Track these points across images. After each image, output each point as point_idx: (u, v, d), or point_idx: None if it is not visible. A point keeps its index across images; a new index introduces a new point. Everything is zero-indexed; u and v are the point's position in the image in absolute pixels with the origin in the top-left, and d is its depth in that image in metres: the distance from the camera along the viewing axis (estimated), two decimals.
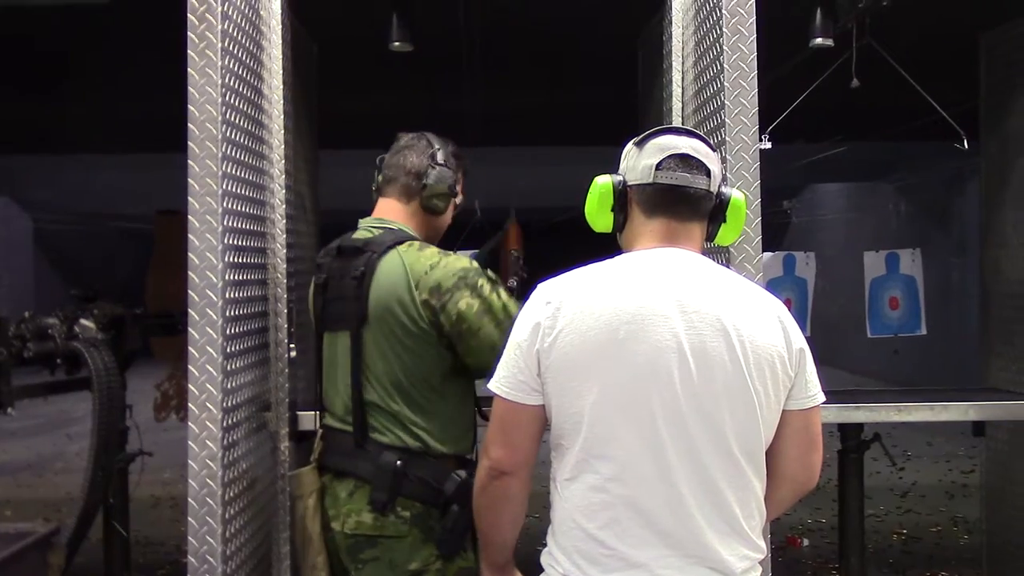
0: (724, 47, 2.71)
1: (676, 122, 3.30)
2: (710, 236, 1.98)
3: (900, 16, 3.70)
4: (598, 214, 1.95)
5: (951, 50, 4.33)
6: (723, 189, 1.97)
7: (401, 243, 2.51)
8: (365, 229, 2.61)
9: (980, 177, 4.23)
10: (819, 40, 3.33)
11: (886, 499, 7.14)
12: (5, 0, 3.32)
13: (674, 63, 3.29)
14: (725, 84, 2.71)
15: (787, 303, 5.06)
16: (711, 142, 1.96)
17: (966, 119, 4.16)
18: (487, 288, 2.46)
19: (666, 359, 1.78)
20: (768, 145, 3.72)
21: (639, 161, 1.91)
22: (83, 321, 3.51)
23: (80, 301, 3.70)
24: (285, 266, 3.20)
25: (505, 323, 2.45)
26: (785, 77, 4.18)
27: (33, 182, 10.32)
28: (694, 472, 1.79)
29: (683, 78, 3.26)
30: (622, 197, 1.93)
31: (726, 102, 2.70)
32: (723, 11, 2.72)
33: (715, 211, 1.96)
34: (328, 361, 2.61)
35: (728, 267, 2.74)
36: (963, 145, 3.82)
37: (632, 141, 1.96)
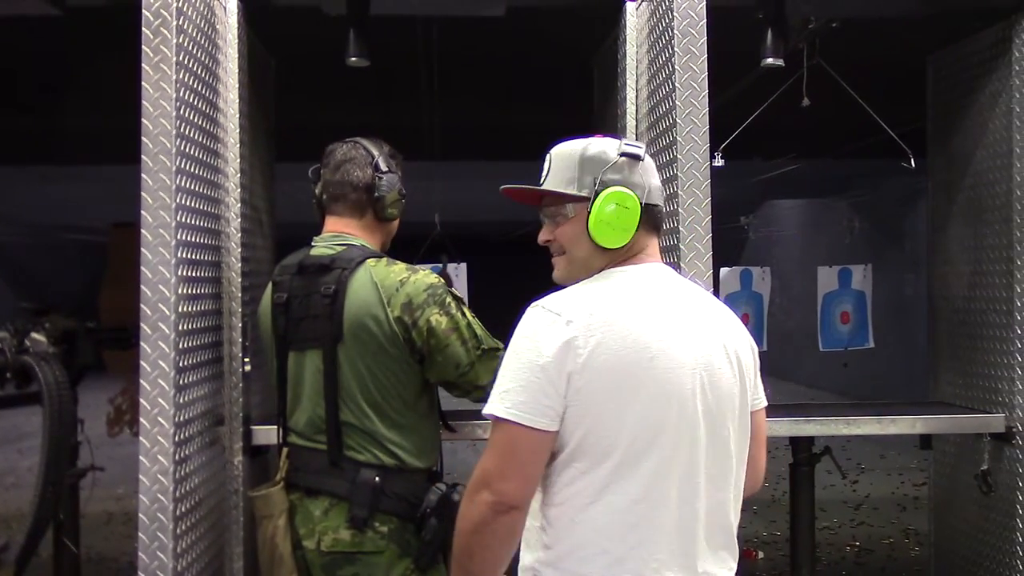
0: (676, 67, 2.77)
1: (631, 140, 3.33)
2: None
3: (851, 38, 3.77)
4: (621, 230, 1.86)
5: (901, 71, 4.42)
6: None
7: (368, 259, 2.51)
8: (325, 246, 2.59)
9: (927, 196, 4.31)
10: (770, 60, 3.38)
11: (840, 512, 7.22)
12: None
13: (628, 81, 3.33)
14: (677, 103, 2.76)
15: (744, 317, 5.16)
16: None
17: (916, 138, 4.25)
18: (453, 306, 2.49)
19: (689, 378, 1.78)
20: (721, 163, 3.78)
21: (649, 179, 1.91)
22: (34, 335, 3.48)
23: (31, 314, 3.66)
24: (240, 280, 3.20)
25: (470, 342, 2.49)
26: (740, 95, 4.24)
27: None
28: (709, 493, 1.81)
29: (637, 96, 3.31)
30: (644, 214, 1.90)
31: (678, 120, 2.76)
32: (675, 31, 2.77)
33: None
34: (294, 380, 2.57)
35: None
36: (910, 164, 3.89)
37: (632, 151, 1.91)
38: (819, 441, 3.90)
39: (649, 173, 1.92)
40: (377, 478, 2.44)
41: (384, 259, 2.55)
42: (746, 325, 5.08)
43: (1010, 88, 3.56)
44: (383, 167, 2.63)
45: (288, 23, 3.56)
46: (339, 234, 2.61)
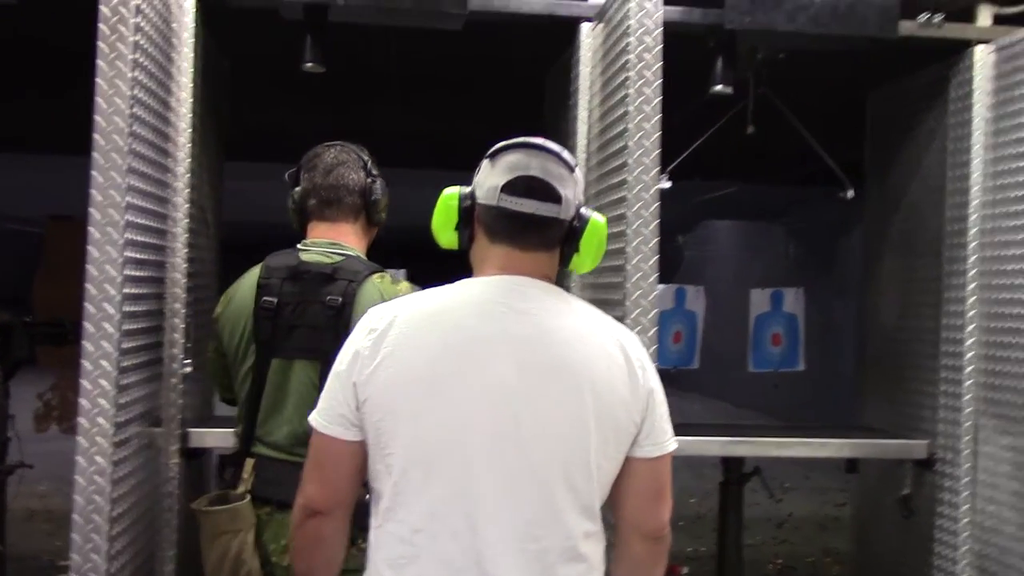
0: (630, 90, 2.82)
1: (581, 160, 3.39)
2: (564, 263, 1.78)
3: (797, 70, 3.87)
4: (443, 229, 1.76)
5: (843, 104, 4.55)
6: (582, 212, 1.75)
7: (374, 273, 2.45)
8: (319, 253, 2.48)
9: (863, 226, 4.44)
10: (719, 87, 3.46)
11: (764, 529, 7.35)
12: None
13: (581, 100, 3.39)
14: (629, 127, 2.82)
15: (676, 335, 5.23)
16: (571, 159, 1.76)
17: (855, 169, 4.38)
18: None
19: (490, 401, 1.62)
20: (668, 184, 3.86)
21: (488, 178, 1.72)
22: None
23: None
24: (184, 280, 3.18)
25: None
26: (687, 119, 4.32)
27: None
28: (512, 528, 1.62)
29: (590, 116, 3.36)
30: (468, 214, 1.74)
31: (629, 144, 2.81)
32: (630, 55, 2.83)
33: (569, 237, 1.74)
34: (274, 388, 2.43)
35: (629, 298, 2.83)
36: (846, 195, 4.01)
37: (489, 152, 1.77)
38: (748, 461, 4.00)
39: (496, 172, 1.71)
40: (367, 496, 2.37)
41: (388, 275, 2.48)
42: (679, 343, 5.20)
43: (945, 127, 3.69)
44: (373, 170, 2.58)
45: (245, 26, 3.54)
46: (334, 242, 2.51)
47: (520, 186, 1.69)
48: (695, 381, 14.84)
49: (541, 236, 1.72)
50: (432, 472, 1.62)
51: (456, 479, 1.62)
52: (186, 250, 3.18)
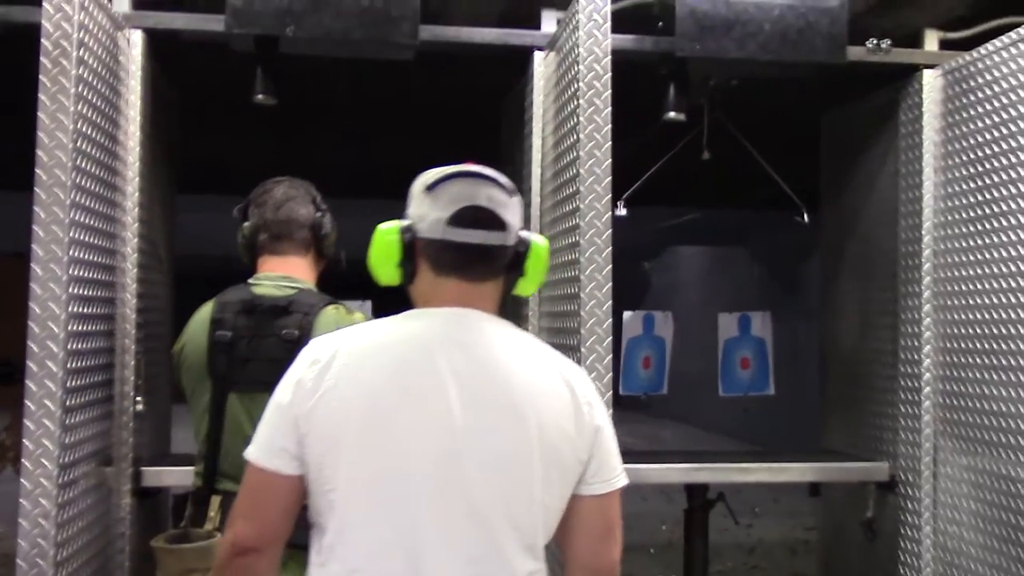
0: (580, 118, 2.82)
1: (535, 188, 3.38)
2: (508, 289, 1.76)
3: (751, 95, 3.90)
4: (383, 265, 1.71)
5: (799, 127, 4.58)
6: (523, 236, 1.73)
7: (329, 305, 2.46)
8: (272, 286, 2.50)
9: (820, 249, 4.46)
10: (672, 114, 3.48)
11: (734, 554, 7.33)
12: None
13: (535, 128, 3.39)
14: (580, 154, 2.81)
15: (645, 361, 5.22)
16: (509, 184, 1.74)
17: (815, 192, 4.41)
18: None
19: (433, 437, 1.59)
20: (623, 212, 3.85)
21: (430, 210, 1.67)
22: None
23: None
24: (135, 316, 3.13)
25: None
26: (645, 146, 4.34)
27: None
28: (455, 568, 1.58)
29: (543, 144, 3.36)
30: (410, 248, 1.69)
31: (581, 171, 2.80)
32: (580, 83, 2.83)
33: (514, 262, 1.73)
34: (233, 422, 2.42)
35: (584, 326, 2.82)
36: (803, 218, 4.03)
37: (422, 181, 1.72)
38: (714, 487, 3.98)
39: (438, 204, 1.67)
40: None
41: (343, 306, 2.50)
42: (648, 369, 5.20)
43: (896, 150, 3.72)
44: (321, 204, 2.62)
45: (195, 58, 3.52)
46: (286, 275, 2.53)
47: (467, 217, 1.66)
48: (665, 407, 14.89)
49: (489, 266, 1.71)
50: (374, 510, 1.58)
51: (398, 517, 1.58)
52: (136, 286, 3.13)
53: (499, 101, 4.00)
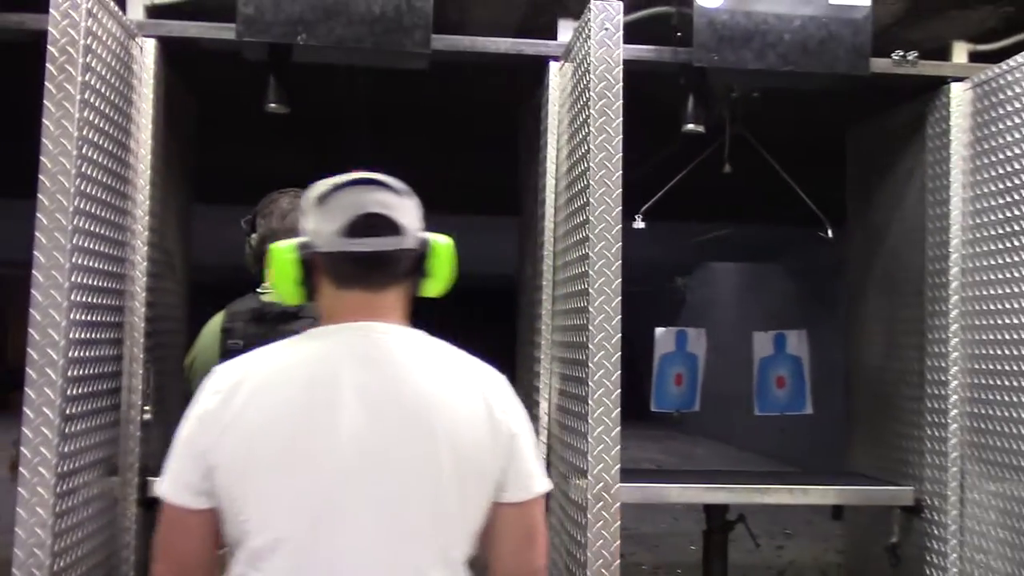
0: (591, 128, 2.76)
1: (550, 200, 3.33)
2: (415, 291, 1.73)
3: (775, 108, 3.83)
4: (284, 285, 1.68)
5: (825, 142, 4.49)
6: (423, 237, 1.69)
7: None
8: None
9: (846, 266, 4.37)
10: (691, 126, 3.41)
11: None
12: None
13: (550, 140, 3.34)
14: (591, 165, 2.75)
15: (678, 378, 5.16)
16: (401, 186, 1.69)
17: (841, 208, 4.32)
18: None
19: (341, 456, 1.56)
20: (642, 225, 3.79)
21: (324, 224, 1.64)
22: None
23: None
24: (144, 325, 3.11)
25: None
26: (673, 158, 4.27)
27: None
28: None
29: (558, 155, 3.31)
30: (309, 265, 1.66)
31: (591, 182, 2.75)
32: (591, 93, 2.77)
33: (417, 264, 1.69)
34: None
35: (592, 341, 2.76)
36: (827, 234, 3.94)
37: (312, 195, 1.68)
38: (734, 508, 3.89)
39: (330, 216, 1.63)
40: None
41: None
42: (680, 386, 5.13)
43: (924, 165, 3.62)
44: None
45: (213, 67, 3.51)
46: None
47: (360, 226, 1.62)
48: (700, 425, 14.75)
49: (391, 272, 1.67)
50: (287, 536, 1.55)
51: (310, 542, 1.55)
52: (145, 294, 3.11)
53: (518, 111, 3.96)
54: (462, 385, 1.64)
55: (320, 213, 1.64)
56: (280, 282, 1.69)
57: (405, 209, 1.67)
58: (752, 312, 13.10)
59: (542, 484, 1.70)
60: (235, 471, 1.56)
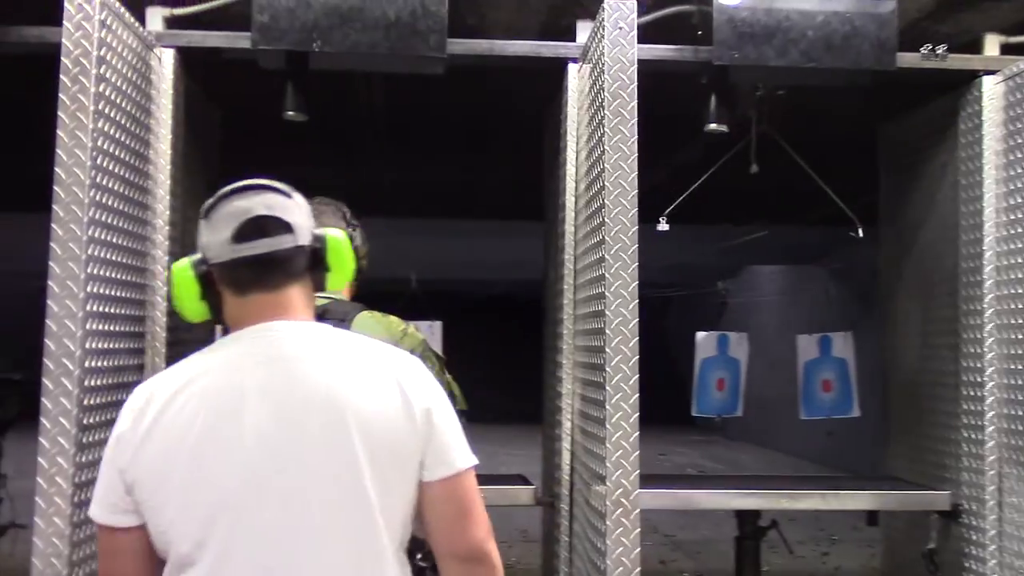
0: (606, 129, 2.72)
1: (570, 203, 3.30)
2: (319, 287, 1.76)
3: (802, 106, 3.76)
4: (187, 302, 1.70)
5: (856, 140, 4.40)
6: (317, 233, 1.73)
7: (363, 310, 2.45)
8: None
9: (879, 266, 4.28)
10: (713, 125, 3.36)
11: None
12: None
13: (569, 143, 3.30)
14: (606, 166, 2.71)
15: (719, 382, 5.09)
16: (285, 187, 1.70)
17: (873, 208, 4.23)
18: (438, 364, 2.46)
19: (249, 460, 1.57)
20: (666, 227, 3.74)
21: (212, 235, 1.66)
22: None
23: None
24: (165, 335, 3.12)
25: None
26: (703, 160, 4.21)
27: None
28: None
29: (578, 157, 3.27)
30: (207, 279, 1.67)
31: (606, 183, 2.70)
32: (606, 93, 2.73)
33: (315, 260, 1.72)
34: None
35: (609, 344, 2.71)
36: (858, 234, 3.86)
37: (202, 209, 1.71)
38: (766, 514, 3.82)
39: (217, 227, 1.66)
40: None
41: (377, 312, 2.49)
42: (722, 390, 5.07)
43: (956, 161, 3.53)
44: (352, 220, 2.59)
45: (231, 76, 3.52)
46: None
47: (248, 230, 1.64)
48: (744, 430, 14.57)
49: (286, 270, 1.69)
50: (204, 542, 1.56)
51: (227, 546, 1.56)
52: (166, 304, 3.11)
53: (539, 114, 3.93)
54: (371, 371, 1.65)
55: (209, 226, 1.67)
56: (181, 300, 1.70)
57: (292, 208, 1.69)
58: (795, 315, 12.93)
59: (465, 459, 1.69)
60: (150, 485, 1.58)
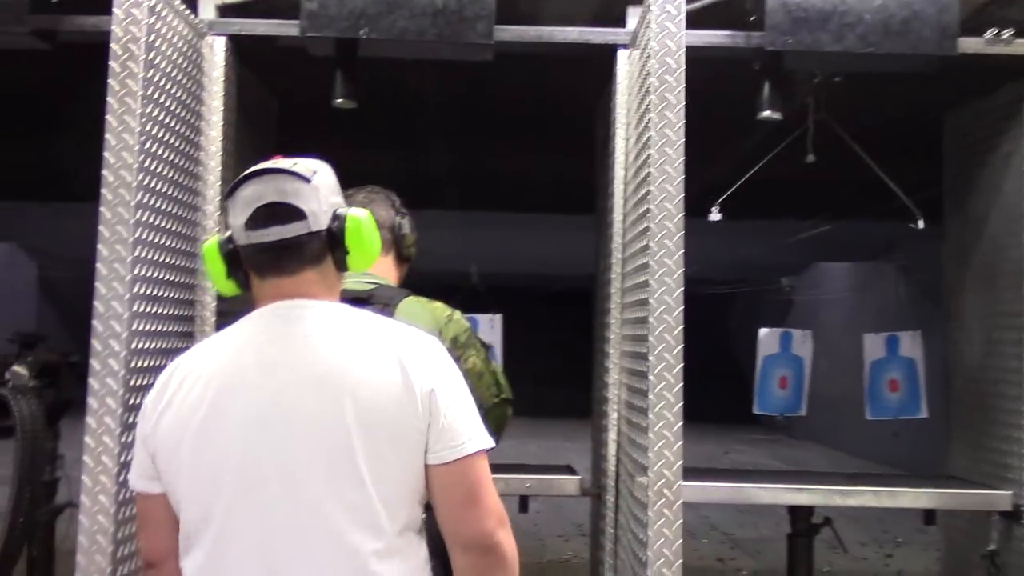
0: (652, 115, 2.68)
1: (619, 192, 3.26)
2: (340, 267, 1.77)
3: (863, 95, 3.67)
4: (218, 280, 1.78)
5: (921, 129, 4.28)
6: (338, 213, 1.73)
7: (409, 296, 2.48)
8: (353, 282, 2.48)
9: (942, 261, 4.16)
10: (767, 113, 3.28)
11: None
12: None
13: (619, 132, 3.26)
14: (652, 152, 2.67)
15: (782, 380, 5.01)
16: (304, 170, 1.71)
17: (939, 201, 4.12)
18: (483, 351, 2.50)
19: (245, 433, 1.62)
20: (719, 217, 3.68)
21: (232, 219, 1.72)
22: (16, 367, 3.45)
23: (20, 347, 3.64)
24: (214, 319, 3.15)
25: (492, 388, 2.48)
26: (760, 152, 4.13)
27: (35, 229, 10.36)
28: (294, 563, 1.60)
29: (627, 145, 3.23)
30: (233, 258, 1.74)
31: (652, 170, 2.66)
32: (652, 78, 2.69)
33: (333, 242, 1.73)
34: None
35: (652, 333, 2.67)
36: (918, 226, 3.75)
37: (225, 193, 1.81)
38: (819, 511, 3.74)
39: (235, 211, 1.71)
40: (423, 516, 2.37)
41: (423, 297, 2.52)
42: (785, 389, 4.98)
43: (1021, 150, 3.41)
44: (402, 208, 2.63)
45: (284, 63, 3.55)
46: (366, 272, 2.50)
47: (260, 217, 1.68)
48: (809, 429, 14.33)
49: (299, 256, 1.71)
50: (209, 512, 1.63)
51: (229, 516, 1.62)
52: (215, 303, 3.15)
53: (593, 102, 3.89)
54: (374, 349, 1.66)
55: (231, 208, 1.72)
56: (212, 276, 1.79)
57: (307, 192, 1.69)
58: (863, 313, 12.67)
59: (474, 443, 1.67)
60: (167, 453, 1.67)
